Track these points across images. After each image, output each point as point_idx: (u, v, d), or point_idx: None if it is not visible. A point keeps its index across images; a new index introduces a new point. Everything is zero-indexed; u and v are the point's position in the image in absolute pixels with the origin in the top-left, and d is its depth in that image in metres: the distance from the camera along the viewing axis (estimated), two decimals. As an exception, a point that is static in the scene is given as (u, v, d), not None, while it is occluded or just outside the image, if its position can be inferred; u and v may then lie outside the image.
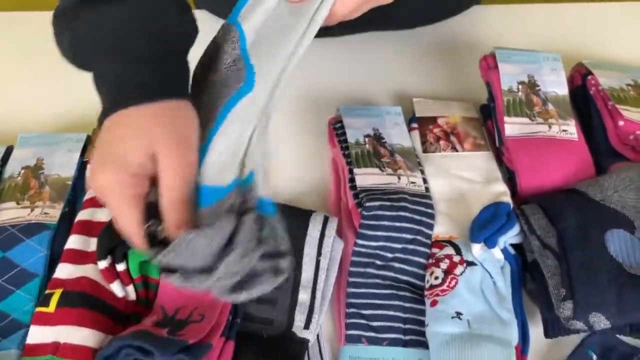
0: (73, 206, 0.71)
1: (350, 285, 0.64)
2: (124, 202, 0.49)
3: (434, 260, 0.65)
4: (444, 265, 0.64)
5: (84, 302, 0.61)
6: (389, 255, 0.66)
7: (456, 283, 0.62)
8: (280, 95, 0.52)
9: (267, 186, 0.51)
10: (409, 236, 0.66)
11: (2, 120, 0.82)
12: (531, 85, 0.76)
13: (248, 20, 0.54)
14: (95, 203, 0.70)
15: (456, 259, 0.64)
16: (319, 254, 0.64)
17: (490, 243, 0.64)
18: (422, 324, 0.62)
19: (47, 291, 0.62)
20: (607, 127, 0.73)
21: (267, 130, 0.52)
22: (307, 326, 0.61)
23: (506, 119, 0.73)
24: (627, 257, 0.62)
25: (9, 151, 0.75)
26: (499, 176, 0.72)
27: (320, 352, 0.62)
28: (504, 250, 0.65)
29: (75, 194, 0.72)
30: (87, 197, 0.71)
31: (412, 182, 0.70)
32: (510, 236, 0.65)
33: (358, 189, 0.68)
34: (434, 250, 0.66)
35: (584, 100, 0.77)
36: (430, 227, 0.67)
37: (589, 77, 0.77)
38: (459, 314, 0.61)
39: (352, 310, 0.63)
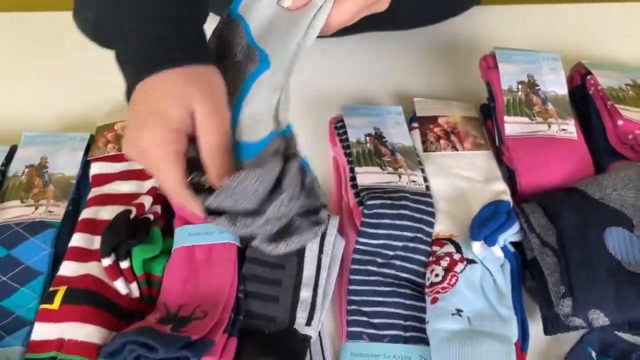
0: (77, 205, 0.72)
1: (351, 283, 0.65)
2: (168, 157, 0.51)
3: (434, 258, 0.66)
4: (444, 263, 0.65)
5: (88, 299, 0.61)
6: (390, 253, 0.66)
7: (456, 280, 0.63)
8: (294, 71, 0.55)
9: None
10: (409, 234, 0.67)
11: (6, 119, 0.83)
12: (531, 85, 0.76)
13: (249, 15, 0.56)
14: (99, 201, 0.70)
15: (456, 256, 0.65)
16: (321, 252, 0.65)
17: (490, 241, 0.65)
18: (422, 321, 0.63)
19: (52, 288, 0.63)
20: (606, 127, 0.74)
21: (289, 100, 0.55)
22: (309, 323, 0.61)
23: (506, 118, 0.74)
24: (626, 254, 0.62)
25: (13, 150, 0.76)
26: (499, 175, 0.72)
27: (322, 348, 0.62)
28: (504, 248, 0.66)
29: (79, 192, 0.73)
30: (90, 195, 0.72)
31: (413, 181, 0.71)
32: (510, 234, 0.66)
33: (359, 187, 0.69)
34: (435, 248, 0.67)
35: (584, 99, 0.78)
36: (431, 225, 0.68)
37: (588, 77, 0.77)
38: (459, 311, 0.61)
39: (353, 307, 0.64)
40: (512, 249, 0.67)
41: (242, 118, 0.52)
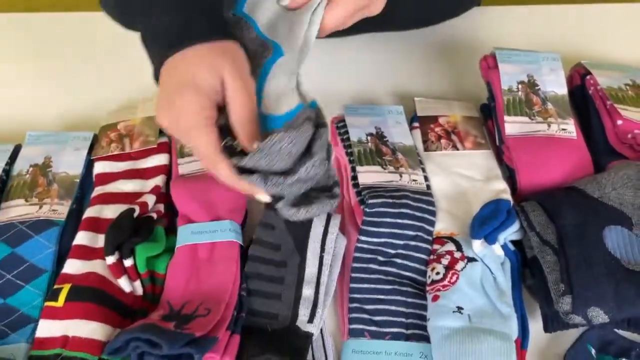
0: (80, 203, 0.73)
1: (353, 281, 0.65)
2: (202, 123, 0.54)
3: (435, 256, 0.66)
4: (445, 261, 0.65)
5: (92, 297, 0.62)
6: (391, 251, 0.67)
7: (457, 278, 0.64)
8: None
9: None
10: (410, 233, 0.67)
11: (10, 119, 0.83)
12: (531, 85, 0.77)
13: (254, 14, 0.61)
14: (102, 200, 0.71)
15: (457, 255, 0.65)
16: (323, 250, 0.65)
17: (490, 239, 0.65)
18: (423, 318, 0.63)
19: (56, 286, 0.63)
20: (605, 126, 0.74)
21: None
22: (311, 320, 0.62)
23: (506, 118, 0.74)
24: (625, 253, 0.63)
25: (17, 149, 0.77)
26: (499, 174, 0.73)
27: (323, 346, 0.63)
28: (504, 247, 0.67)
29: (82, 191, 0.74)
30: (94, 194, 0.72)
31: (414, 180, 0.71)
32: (510, 233, 0.66)
33: (360, 186, 0.70)
34: (436, 246, 0.67)
35: (583, 99, 0.78)
36: (432, 224, 0.68)
37: (588, 77, 0.78)
38: (459, 308, 0.62)
39: (355, 305, 0.64)
40: (512, 247, 0.68)
41: (267, 94, 0.57)
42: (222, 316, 0.60)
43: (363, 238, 0.67)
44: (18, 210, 0.70)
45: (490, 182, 0.72)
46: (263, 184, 0.54)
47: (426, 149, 0.75)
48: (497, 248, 0.66)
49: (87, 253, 0.66)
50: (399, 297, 0.65)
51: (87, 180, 0.75)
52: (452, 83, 0.86)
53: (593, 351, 0.62)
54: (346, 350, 0.62)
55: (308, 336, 0.61)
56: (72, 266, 0.65)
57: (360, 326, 0.63)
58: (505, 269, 0.65)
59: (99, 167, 0.74)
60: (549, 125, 0.74)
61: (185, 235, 0.67)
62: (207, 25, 0.57)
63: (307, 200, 0.56)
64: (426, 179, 0.72)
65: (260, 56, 0.59)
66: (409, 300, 0.65)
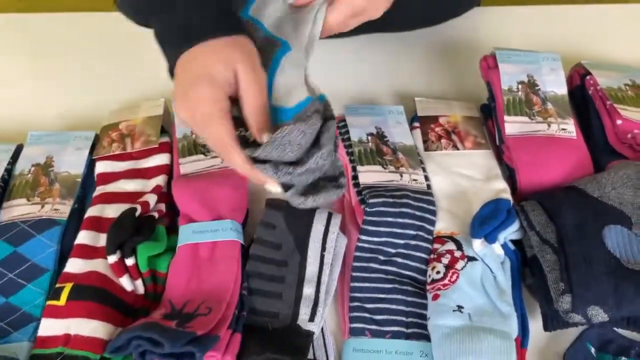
0: (82, 203, 0.73)
1: (353, 280, 0.66)
2: (218, 114, 0.57)
3: (435, 256, 0.67)
4: (445, 260, 0.66)
5: (94, 296, 0.62)
6: (392, 250, 0.67)
7: (457, 277, 0.64)
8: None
9: None
10: (411, 232, 0.67)
11: (13, 119, 0.84)
12: (531, 85, 0.77)
13: (260, 17, 0.64)
14: (104, 199, 0.71)
15: (457, 254, 0.66)
16: (323, 249, 0.65)
17: (490, 239, 0.65)
18: (424, 317, 0.64)
19: (58, 285, 0.64)
20: (605, 126, 0.75)
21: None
22: (312, 319, 0.62)
23: (506, 118, 0.75)
24: (624, 252, 0.63)
25: (19, 149, 0.77)
26: (499, 174, 0.73)
27: (324, 344, 0.63)
28: (504, 246, 0.67)
29: (84, 190, 0.74)
30: (96, 194, 0.72)
31: (414, 180, 0.71)
32: (510, 232, 0.67)
33: (361, 186, 0.70)
34: (436, 245, 0.68)
35: (583, 99, 0.79)
36: (432, 223, 0.69)
37: (588, 77, 0.78)
38: (460, 307, 0.62)
39: (355, 304, 0.64)
40: (512, 246, 0.68)
41: (276, 87, 0.60)
42: (223, 315, 0.61)
43: (364, 237, 0.67)
44: (20, 209, 0.70)
45: (490, 181, 0.72)
46: (274, 174, 0.57)
47: (426, 149, 0.76)
48: (497, 247, 0.66)
49: (88, 252, 0.66)
50: (399, 296, 0.65)
51: (89, 179, 0.75)
52: (453, 83, 0.86)
53: (593, 350, 0.63)
54: (347, 349, 0.62)
55: (309, 335, 0.61)
56: (74, 265, 0.65)
57: (361, 325, 0.63)
58: (505, 268, 0.66)
59: (101, 167, 0.75)
60: (549, 125, 0.74)
61: (187, 234, 0.67)
62: (221, 20, 0.60)
63: (314, 189, 0.59)
64: (426, 178, 0.72)
65: (269, 52, 0.61)
66: (410, 299, 0.65)
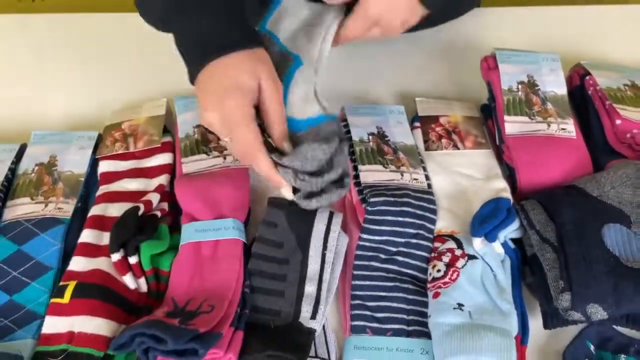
0: (85, 202, 0.74)
1: (355, 278, 0.66)
2: (247, 120, 0.63)
3: (436, 254, 0.67)
4: (446, 258, 0.66)
5: (98, 294, 0.63)
6: (393, 249, 0.68)
7: (458, 276, 0.64)
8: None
9: None
10: (412, 231, 0.68)
11: (16, 118, 0.84)
12: (531, 85, 0.78)
13: (276, 31, 0.72)
14: (107, 198, 0.72)
15: (458, 252, 0.66)
16: (325, 247, 0.66)
17: (490, 237, 0.66)
18: (424, 315, 0.64)
19: (62, 283, 0.64)
20: (604, 126, 0.75)
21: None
22: (313, 316, 0.62)
23: (506, 117, 0.75)
24: (623, 250, 0.63)
25: (22, 149, 0.77)
26: (499, 173, 0.73)
27: (326, 342, 0.63)
28: (504, 245, 0.67)
29: (87, 190, 0.75)
30: (99, 193, 0.73)
31: (415, 179, 0.72)
32: (510, 231, 0.67)
33: (362, 185, 0.70)
34: (436, 244, 0.68)
35: (583, 99, 0.79)
36: (433, 222, 0.69)
37: (587, 78, 0.79)
38: (460, 305, 0.62)
39: (357, 302, 0.65)
40: (512, 245, 0.68)
41: (290, 99, 0.67)
42: (225, 313, 0.61)
43: (365, 236, 0.68)
44: (24, 208, 0.71)
45: (490, 181, 0.73)
46: (293, 180, 0.64)
47: (427, 149, 0.76)
48: (497, 246, 0.66)
49: (92, 250, 0.67)
50: (400, 294, 0.65)
51: (92, 179, 0.75)
52: (453, 83, 0.87)
53: (592, 347, 0.63)
54: (348, 346, 0.63)
55: (311, 332, 0.62)
56: (78, 263, 0.65)
57: (362, 323, 0.64)
58: (505, 267, 0.66)
59: (104, 166, 0.75)
60: (549, 125, 0.75)
61: (189, 233, 0.68)
62: (243, 33, 0.65)
63: (319, 192, 0.66)
64: (427, 177, 0.73)
65: (283, 67, 0.68)
66: (410, 297, 0.65)
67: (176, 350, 0.57)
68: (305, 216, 0.68)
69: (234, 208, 0.70)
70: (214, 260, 0.66)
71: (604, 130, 0.75)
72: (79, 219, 0.71)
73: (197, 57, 0.64)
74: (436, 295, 0.64)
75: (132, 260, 0.64)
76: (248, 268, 0.66)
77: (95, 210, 0.70)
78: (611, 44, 0.90)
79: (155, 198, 0.70)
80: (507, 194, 0.70)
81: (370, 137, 0.75)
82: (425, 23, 0.92)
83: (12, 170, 0.75)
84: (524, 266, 0.68)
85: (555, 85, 0.78)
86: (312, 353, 0.62)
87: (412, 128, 0.78)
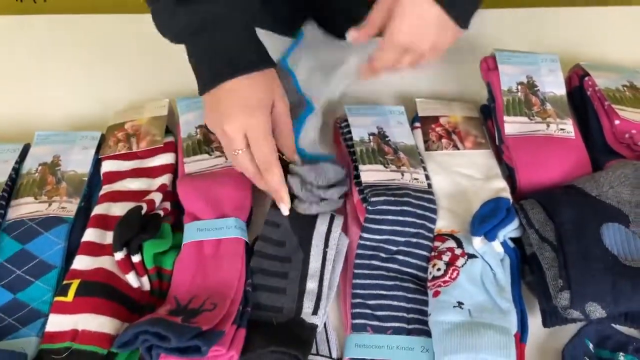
0: (89, 201, 0.74)
1: (355, 277, 0.67)
2: (269, 135, 0.67)
3: (436, 253, 0.68)
4: (445, 257, 0.67)
5: (101, 292, 0.63)
6: (393, 248, 0.68)
7: (458, 274, 0.65)
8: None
9: None
10: (412, 230, 0.68)
11: (19, 119, 0.85)
12: (530, 86, 0.78)
13: (295, 68, 0.78)
14: (110, 198, 0.72)
15: (457, 251, 0.67)
16: (326, 246, 0.66)
17: (490, 236, 0.66)
18: (425, 313, 0.65)
19: (65, 282, 0.65)
20: (603, 126, 0.76)
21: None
22: (315, 312, 0.63)
23: (506, 118, 0.76)
24: (622, 249, 0.64)
25: (26, 148, 0.78)
26: (499, 173, 0.74)
27: (327, 340, 0.64)
28: (504, 244, 0.68)
29: (90, 189, 0.75)
30: (102, 192, 0.74)
31: (415, 179, 0.72)
32: (510, 230, 0.68)
33: (363, 185, 0.71)
34: (437, 243, 0.69)
35: (582, 100, 0.80)
36: (433, 221, 0.70)
37: (586, 78, 0.79)
38: (460, 303, 0.63)
39: (357, 300, 0.65)
40: (511, 244, 0.69)
41: (300, 141, 0.73)
42: (228, 311, 0.62)
43: (365, 235, 0.68)
44: (28, 207, 0.71)
45: (490, 180, 0.73)
46: (300, 189, 0.69)
47: (427, 149, 0.77)
48: (496, 245, 0.67)
49: (95, 249, 0.67)
50: (400, 293, 0.66)
51: (95, 178, 0.76)
52: (453, 84, 0.87)
53: (591, 346, 0.64)
54: (349, 344, 0.63)
55: (313, 328, 0.62)
56: (81, 262, 0.66)
57: (363, 321, 0.64)
58: (504, 266, 0.67)
59: (107, 166, 0.76)
60: (548, 125, 0.75)
61: (192, 232, 0.68)
62: (260, 53, 0.69)
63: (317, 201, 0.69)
64: (427, 177, 0.73)
65: (297, 108, 0.74)
66: (411, 295, 0.66)
67: (179, 347, 0.57)
68: (307, 218, 0.69)
69: (235, 207, 0.70)
70: (216, 259, 0.67)
71: (602, 131, 0.76)
72: (82, 218, 0.71)
73: (214, 72, 0.66)
74: (436, 293, 0.64)
75: (135, 259, 0.65)
76: (250, 266, 0.67)
77: (98, 210, 0.71)
78: (610, 45, 0.90)
79: (157, 197, 0.70)
80: (507, 194, 0.71)
81: (371, 137, 0.76)
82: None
83: (16, 170, 0.75)
84: (524, 265, 0.68)
85: (555, 86, 0.79)
86: (313, 350, 0.63)
87: (413, 128, 0.79)
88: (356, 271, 0.67)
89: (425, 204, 0.70)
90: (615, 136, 0.75)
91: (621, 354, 0.63)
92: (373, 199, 0.68)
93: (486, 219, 0.67)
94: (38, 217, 0.70)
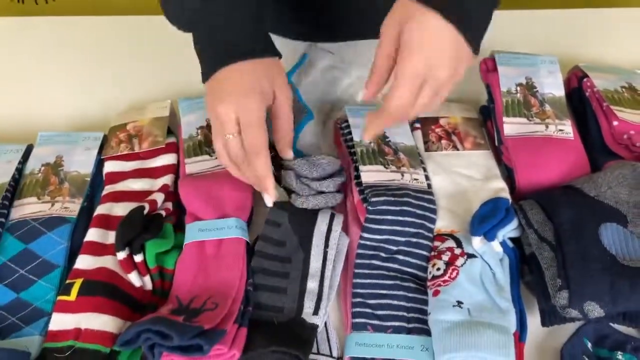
0: (91, 201, 0.75)
1: (356, 276, 0.67)
2: (261, 122, 0.65)
3: (436, 253, 0.68)
4: (445, 257, 0.67)
5: (104, 291, 0.64)
6: (393, 248, 0.69)
7: (457, 274, 0.65)
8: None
9: None
10: (412, 230, 0.69)
11: (22, 120, 0.85)
12: (529, 87, 0.79)
13: (299, 83, 0.81)
14: (112, 198, 0.73)
15: (457, 251, 0.67)
16: (327, 246, 0.67)
17: (489, 236, 0.67)
18: (424, 312, 0.65)
19: (68, 281, 0.65)
20: (602, 127, 0.76)
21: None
22: (316, 312, 0.63)
23: (505, 119, 0.76)
24: (620, 249, 0.64)
25: (29, 149, 0.79)
26: (498, 173, 0.75)
27: (328, 339, 0.64)
28: (503, 244, 0.68)
29: (93, 189, 0.76)
30: (104, 192, 0.74)
31: (415, 179, 0.73)
32: (509, 230, 0.68)
33: (363, 185, 0.71)
34: (436, 243, 0.69)
35: (580, 101, 0.80)
36: (433, 221, 0.70)
37: (585, 80, 0.80)
38: (459, 303, 0.63)
39: (358, 299, 0.66)
40: (510, 244, 0.69)
41: (300, 140, 0.75)
42: (229, 310, 0.62)
43: (366, 235, 0.69)
44: (31, 207, 0.72)
45: (489, 181, 0.74)
46: (294, 182, 0.70)
47: (427, 149, 0.77)
48: (496, 245, 0.67)
49: (98, 249, 0.68)
50: (400, 292, 0.66)
51: (98, 179, 0.77)
52: (452, 85, 0.87)
53: (589, 345, 0.64)
54: (349, 343, 0.64)
55: (313, 328, 0.63)
56: (84, 262, 0.67)
57: (363, 320, 0.65)
58: (504, 265, 0.67)
59: (109, 167, 0.76)
60: (547, 126, 0.76)
61: (193, 232, 0.69)
62: (266, 42, 0.69)
63: (314, 194, 0.70)
64: (427, 178, 0.74)
65: (297, 114, 0.74)
66: (411, 295, 0.66)
67: (181, 346, 0.58)
68: (307, 217, 0.69)
69: (236, 207, 0.71)
70: (217, 259, 0.67)
71: (601, 132, 0.76)
72: (85, 218, 0.72)
73: (216, 59, 0.66)
74: (436, 293, 0.65)
75: (138, 258, 0.65)
76: (251, 266, 0.67)
77: (101, 210, 0.72)
78: (608, 47, 0.91)
79: (159, 198, 0.71)
80: (506, 194, 0.71)
81: (371, 138, 0.76)
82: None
83: (19, 170, 0.76)
84: (523, 265, 0.69)
85: (554, 87, 0.79)
86: (314, 350, 0.63)
87: (412, 129, 0.79)
88: (357, 271, 0.68)
89: (425, 204, 0.70)
90: (614, 137, 0.75)
91: (619, 352, 0.63)
92: (373, 199, 0.69)
93: (485, 219, 0.68)
94: (41, 217, 0.71)
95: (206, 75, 0.67)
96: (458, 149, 0.77)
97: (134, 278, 0.66)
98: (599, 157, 0.75)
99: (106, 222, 0.70)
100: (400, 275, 0.68)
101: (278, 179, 0.73)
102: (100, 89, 0.89)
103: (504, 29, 0.94)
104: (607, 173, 0.70)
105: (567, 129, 0.76)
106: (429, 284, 0.66)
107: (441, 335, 0.62)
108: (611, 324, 0.65)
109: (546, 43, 0.91)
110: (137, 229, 0.66)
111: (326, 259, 0.66)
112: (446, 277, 0.65)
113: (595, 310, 0.61)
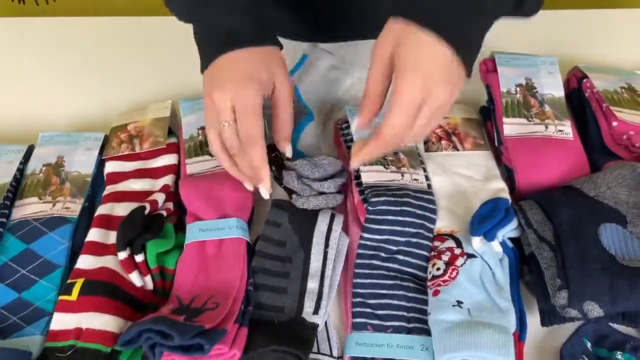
0: (92, 201, 0.75)
1: (356, 276, 0.67)
2: (257, 110, 0.65)
3: (436, 253, 0.68)
4: (445, 257, 0.67)
5: (105, 291, 0.64)
6: (394, 248, 0.69)
7: (457, 274, 0.65)
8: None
9: None
10: (412, 230, 0.69)
11: (23, 120, 0.86)
12: (529, 88, 0.79)
13: (299, 84, 0.82)
14: (113, 198, 0.73)
15: (457, 251, 0.67)
16: (327, 245, 0.67)
17: (489, 236, 0.67)
18: (424, 312, 0.65)
19: (69, 281, 0.65)
20: (601, 128, 0.76)
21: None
22: (316, 312, 0.63)
23: (505, 119, 0.76)
24: (619, 249, 0.64)
25: (30, 149, 0.79)
26: (498, 174, 0.75)
27: (328, 338, 0.65)
28: (503, 244, 0.68)
29: (94, 190, 0.76)
30: (105, 193, 0.74)
31: (415, 179, 0.73)
32: (509, 230, 0.68)
33: (364, 185, 0.72)
34: (436, 243, 0.69)
35: (580, 102, 0.80)
36: (433, 221, 0.70)
37: (585, 80, 0.80)
38: (459, 302, 0.64)
39: (358, 299, 0.66)
40: (510, 244, 0.69)
41: (301, 141, 0.76)
42: (230, 310, 0.62)
43: (366, 235, 0.69)
44: (32, 207, 0.72)
45: (489, 181, 0.74)
46: (295, 182, 0.70)
47: (427, 150, 0.78)
48: (495, 245, 0.68)
49: (99, 249, 0.68)
50: (400, 292, 0.66)
51: (99, 179, 0.77)
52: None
53: (589, 344, 0.64)
54: (350, 342, 0.64)
55: (314, 327, 0.63)
56: (85, 261, 0.67)
57: (364, 320, 0.65)
58: (503, 265, 0.67)
59: (110, 167, 0.77)
60: (547, 127, 0.76)
61: (194, 232, 0.69)
62: (267, 31, 0.68)
63: (316, 195, 0.70)
64: (427, 178, 0.74)
65: (298, 115, 0.75)
66: (411, 295, 0.66)
67: (182, 345, 0.58)
68: (308, 217, 0.69)
69: (237, 208, 0.71)
70: (218, 259, 0.67)
71: (600, 132, 0.76)
72: (86, 218, 0.72)
73: (214, 47, 0.66)
74: (436, 293, 0.65)
75: (139, 258, 0.66)
76: (252, 266, 0.67)
77: (102, 210, 0.72)
78: (608, 47, 0.91)
79: (160, 198, 0.71)
80: (506, 194, 0.72)
81: (372, 138, 0.76)
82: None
83: (21, 170, 0.76)
84: (522, 265, 0.69)
85: (553, 87, 0.79)
86: (314, 349, 0.63)
87: (413, 129, 0.79)
88: (357, 271, 0.68)
89: (425, 204, 0.70)
90: (613, 138, 0.75)
91: (618, 352, 0.63)
92: (373, 200, 0.69)
93: (485, 219, 0.68)
94: (42, 217, 0.71)
95: (205, 63, 0.67)
96: (458, 150, 0.77)
97: (135, 278, 0.66)
98: (599, 157, 0.75)
99: (107, 222, 0.71)
100: (400, 275, 0.68)
101: (278, 179, 0.73)
102: (101, 89, 0.89)
103: (504, 29, 0.94)
104: (607, 173, 0.70)
105: (566, 129, 0.76)
106: (428, 283, 0.67)
107: (441, 335, 0.62)
108: (610, 324, 0.65)
109: (546, 44, 0.91)
110: (138, 229, 0.66)
111: (326, 259, 0.66)
112: (446, 277, 0.66)
113: (594, 310, 0.62)
